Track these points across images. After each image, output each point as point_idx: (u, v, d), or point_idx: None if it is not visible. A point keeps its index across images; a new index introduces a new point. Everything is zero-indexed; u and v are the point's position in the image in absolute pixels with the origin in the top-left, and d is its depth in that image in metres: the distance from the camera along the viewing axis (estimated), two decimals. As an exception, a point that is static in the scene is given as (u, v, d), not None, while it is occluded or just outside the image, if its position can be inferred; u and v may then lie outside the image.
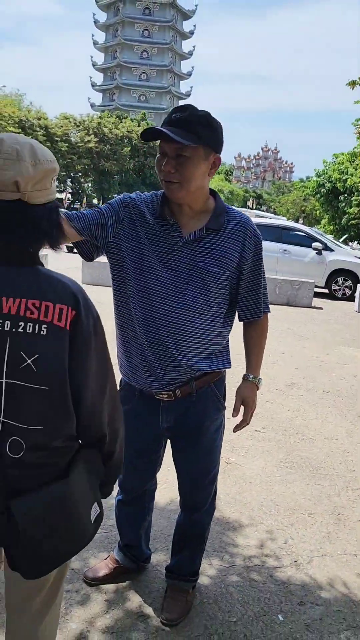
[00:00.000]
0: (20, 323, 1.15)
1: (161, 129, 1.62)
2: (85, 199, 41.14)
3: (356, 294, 11.15)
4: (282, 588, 2.28)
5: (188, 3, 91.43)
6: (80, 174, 42.32)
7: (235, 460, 3.42)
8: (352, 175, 31.65)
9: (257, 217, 28.50)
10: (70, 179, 41.95)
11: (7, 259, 1.18)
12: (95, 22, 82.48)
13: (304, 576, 2.37)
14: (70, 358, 1.19)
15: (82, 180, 43.90)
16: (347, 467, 3.48)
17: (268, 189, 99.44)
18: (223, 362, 1.91)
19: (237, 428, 2.03)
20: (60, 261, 16.81)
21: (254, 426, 3.93)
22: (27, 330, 1.15)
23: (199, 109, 1.70)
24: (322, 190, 35.35)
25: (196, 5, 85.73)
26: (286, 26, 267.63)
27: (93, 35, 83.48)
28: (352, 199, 32.04)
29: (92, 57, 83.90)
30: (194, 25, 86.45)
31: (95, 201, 47.04)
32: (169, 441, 2.04)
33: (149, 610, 2.09)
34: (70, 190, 42.89)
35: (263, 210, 74.88)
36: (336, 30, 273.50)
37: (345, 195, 33.52)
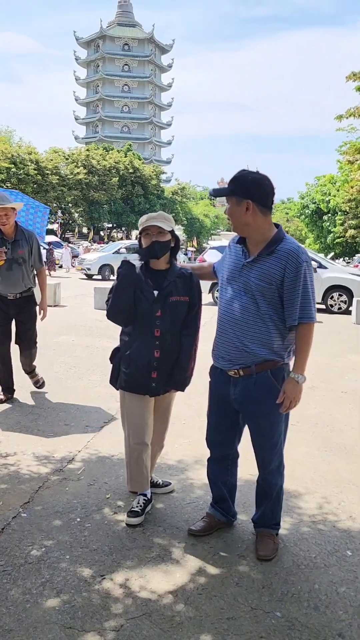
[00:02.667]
0: None
1: (210, 191, 2.64)
2: (76, 228, 41.99)
3: (352, 307, 11.89)
4: (345, 534, 2.85)
5: (165, 38, 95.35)
6: (70, 204, 43.24)
7: (281, 448, 3.99)
8: (334, 196, 32.97)
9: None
10: (61, 210, 42.82)
11: None
12: (77, 58, 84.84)
13: (360, 526, 2.95)
14: None
15: (72, 210, 44.87)
16: (376, 449, 4.07)
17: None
18: (278, 356, 2.50)
19: (281, 410, 2.51)
20: (74, 288, 17.38)
21: (290, 421, 4.51)
22: None
23: (250, 171, 2.48)
24: (307, 211, 36.65)
25: (173, 40, 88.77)
26: (260, 56, 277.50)
27: (75, 72, 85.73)
28: (335, 218, 33.29)
29: (74, 92, 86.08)
30: (172, 59, 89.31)
31: (85, 230, 47.97)
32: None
33: (245, 552, 2.65)
34: (61, 221, 43.70)
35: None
36: (307, 59, 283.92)
37: (329, 215, 34.83)
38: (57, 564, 2.47)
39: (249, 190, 2.40)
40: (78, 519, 2.87)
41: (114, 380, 2.92)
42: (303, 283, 2.40)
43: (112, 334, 8.81)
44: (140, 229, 2.77)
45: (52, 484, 3.26)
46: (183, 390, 2.93)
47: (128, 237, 56.99)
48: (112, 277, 21.18)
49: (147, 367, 2.78)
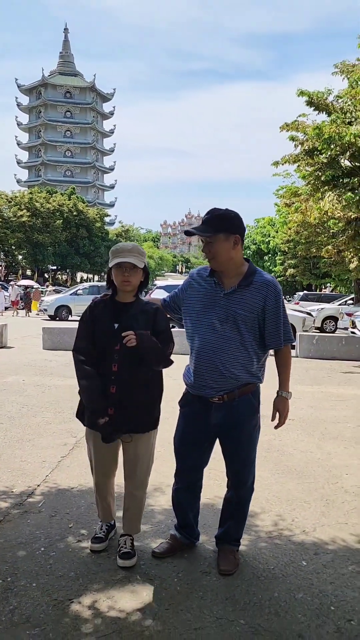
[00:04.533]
0: None
1: (191, 230, 2.63)
2: (20, 271, 41.47)
3: (295, 343, 12.42)
4: (299, 546, 3.02)
5: (106, 87, 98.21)
6: (13, 247, 42.79)
7: (236, 473, 4.16)
8: (274, 237, 34.52)
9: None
10: (3, 252, 42.27)
11: None
12: (18, 104, 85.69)
13: (313, 538, 3.13)
14: None
15: (15, 252, 44.37)
16: (324, 470, 4.31)
17: (195, 253, 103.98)
18: (257, 378, 2.73)
19: (276, 427, 2.81)
20: (22, 330, 17.01)
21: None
22: None
23: (221, 208, 2.64)
24: (248, 251, 38.13)
25: (114, 89, 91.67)
26: (198, 107, 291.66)
27: (17, 117, 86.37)
28: (276, 258, 34.78)
29: (16, 136, 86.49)
30: (114, 107, 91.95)
31: (29, 272, 47.43)
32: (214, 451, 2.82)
33: (208, 568, 2.76)
34: (4, 263, 43.09)
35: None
36: (242, 110, 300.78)
37: (270, 255, 36.38)
38: (25, 592, 2.49)
39: (236, 226, 2.56)
40: (42, 549, 2.90)
41: (80, 415, 2.87)
42: (282, 310, 2.65)
43: (63, 373, 8.81)
44: (112, 260, 2.65)
45: (13, 517, 3.26)
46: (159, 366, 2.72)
47: (73, 279, 56.85)
48: (70, 318, 22.06)
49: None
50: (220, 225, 2.55)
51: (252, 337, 2.65)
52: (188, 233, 2.61)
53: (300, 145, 10.71)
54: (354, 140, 9.26)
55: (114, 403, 2.66)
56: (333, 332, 18.30)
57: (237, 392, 2.65)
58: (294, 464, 4.43)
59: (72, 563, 2.76)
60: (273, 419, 2.78)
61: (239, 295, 2.62)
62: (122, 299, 2.74)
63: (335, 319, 18.51)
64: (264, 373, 2.78)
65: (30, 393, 6.93)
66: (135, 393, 2.68)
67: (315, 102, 10.61)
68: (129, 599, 2.47)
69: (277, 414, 2.78)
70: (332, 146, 9.60)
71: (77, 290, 23.20)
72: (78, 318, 22.14)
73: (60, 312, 21.90)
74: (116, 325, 2.67)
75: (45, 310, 22.56)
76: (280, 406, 2.77)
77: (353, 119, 10.24)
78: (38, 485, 3.78)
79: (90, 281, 56.84)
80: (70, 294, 22.92)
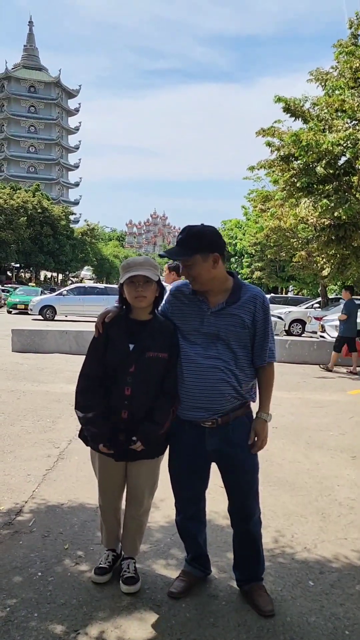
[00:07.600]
0: None
1: (164, 254, 2.47)
2: (-18, 268, 40.33)
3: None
4: (304, 565, 2.97)
5: (72, 82, 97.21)
6: (-25, 244, 41.62)
7: (228, 485, 4.08)
8: (241, 239, 34.80)
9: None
10: (-36, 249, 41.00)
11: None
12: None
13: (315, 556, 3.08)
14: None
15: (-23, 250, 43.14)
16: (315, 481, 4.29)
17: (160, 253, 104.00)
18: (250, 396, 2.59)
19: (253, 450, 2.55)
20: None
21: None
22: None
23: (196, 225, 2.46)
24: (215, 253, 38.31)
25: (80, 86, 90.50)
26: (163, 105, 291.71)
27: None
28: (243, 260, 35.06)
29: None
30: (79, 103, 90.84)
31: (-9, 270, 46.22)
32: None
33: (215, 591, 2.66)
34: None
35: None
36: (207, 111, 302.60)
37: (237, 257, 36.65)
38: (26, 623, 2.34)
39: (215, 244, 2.41)
40: (39, 574, 2.74)
41: (84, 436, 2.63)
42: (270, 324, 2.54)
43: (37, 378, 8.55)
44: (123, 276, 2.46)
45: (3, 538, 3.09)
46: (148, 444, 2.49)
47: (37, 277, 55.79)
48: (56, 318, 22.47)
49: (113, 428, 2.47)
50: (197, 245, 2.37)
51: (245, 354, 2.51)
52: (162, 256, 2.48)
53: (276, 151, 10.79)
54: (330, 148, 9.38)
55: (125, 428, 2.48)
56: (300, 335, 18.55)
57: (231, 415, 2.49)
58: (285, 475, 4.39)
59: (72, 589, 2.62)
60: (250, 442, 2.54)
61: (228, 311, 2.46)
62: (137, 317, 2.54)
63: (302, 322, 18.75)
64: (256, 391, 2.64)
65: (5, 399, 6.67)
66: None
67: (292, 109, 10.68)
68: (138, 628, 2.35)
69: (256, 438, 2.55)
70: (308, 153, 9.68)
71: (61, 292, 23.94)
72: (64, 318, 22.14)
73: (45, 312, 22.34)
74: (132, 346, 2.48)
75: (31, 310, 22.97)
76: (259, 429, 2.55)
77: (328, 127, 10.38)
78: (26, 502, 3.60)
79: (54, 279, 55.94)
80: (56, 295, 23.75)
